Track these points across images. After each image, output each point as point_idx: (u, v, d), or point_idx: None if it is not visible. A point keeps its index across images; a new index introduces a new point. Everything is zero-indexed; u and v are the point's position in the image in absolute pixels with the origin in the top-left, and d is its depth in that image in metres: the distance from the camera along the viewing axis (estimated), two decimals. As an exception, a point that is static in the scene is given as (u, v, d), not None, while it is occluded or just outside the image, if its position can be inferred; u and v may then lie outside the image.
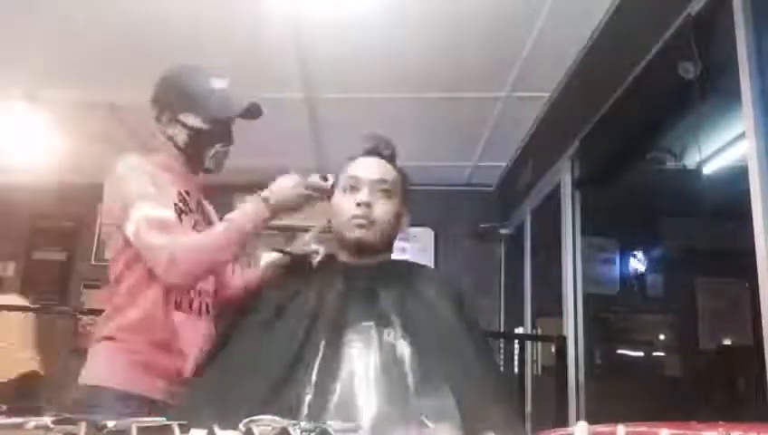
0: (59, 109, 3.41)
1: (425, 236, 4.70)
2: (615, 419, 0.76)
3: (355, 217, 1.38)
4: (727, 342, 3.94)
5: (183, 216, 1.49)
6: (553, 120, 3.36)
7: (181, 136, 1.57)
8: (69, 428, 0.55)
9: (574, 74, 2.97)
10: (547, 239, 3.50)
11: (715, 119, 2.24)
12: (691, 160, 2.94)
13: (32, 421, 0.56)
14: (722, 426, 0.69)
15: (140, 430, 0.55)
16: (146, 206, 1.40)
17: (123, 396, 1.35)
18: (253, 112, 1.61)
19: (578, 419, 2.71)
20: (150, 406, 1.35)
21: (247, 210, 1.47)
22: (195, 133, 1.57)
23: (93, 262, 4.70)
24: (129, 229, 1.40)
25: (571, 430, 0.73)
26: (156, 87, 1.62)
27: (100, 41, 2.88)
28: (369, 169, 1.44)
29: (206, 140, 1.58)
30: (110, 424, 0.55)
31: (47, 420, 0.57)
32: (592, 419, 0.78)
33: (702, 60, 1.84)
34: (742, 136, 1.75)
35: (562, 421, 2.64)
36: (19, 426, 0.56)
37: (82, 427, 0.53)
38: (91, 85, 3.31)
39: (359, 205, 1.38)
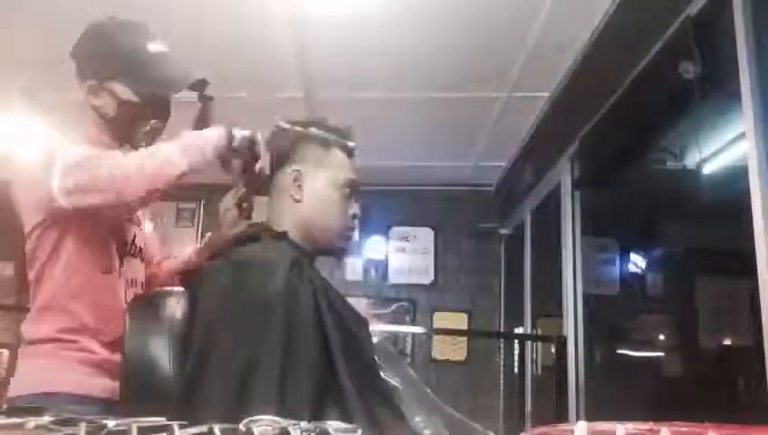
0: (59, 109, 3.41)
1: (425, 236, 4.71)
2: (615, 419, 0.76)
3: (349, 228, 1.33)
4: (727, 342, 3.94)
5: None
6: (553, 120, 3.36)
7: (109, 108, 1.33)
8: (69, 428, 0.55)
9: (574, 74, 2.97)
10: (547, 239, 3.50)
11: (715, 119, 2.25)
12: (691, 160, 2.94)
13: (32, 421, 0.56)
14: (722, 426, 0.69)
15: (140, 430, 0.55)
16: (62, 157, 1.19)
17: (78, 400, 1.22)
18: (199, 87, 1.38)
19: (578, 419, 2.71)
20: (102, 406, 1.23)
21: (179, 148, 1.22)
22: (125, 107, 1.32)
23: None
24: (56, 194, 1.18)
25: (570, 426, 0.73)
26: (81, 41, 1.37)
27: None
28: (359, 175, 1.36)
29: (139, 115, 1.34)
30: (111, 424, 0.55)
31: (47, 419, 0.57)
32: (592, 419, 0.78)
33: (702, 60, 1.84)
34: (742, 136, 1.75)
35: (562, 421, 2.64)
36: (19, 426, 0.56)
37: (82, 427, 0.53)
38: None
39: (353, 217, 1.34)
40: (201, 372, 1.09)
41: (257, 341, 1.07)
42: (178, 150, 1.21)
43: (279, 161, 1.34)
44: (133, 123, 1.34)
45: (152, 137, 1.36)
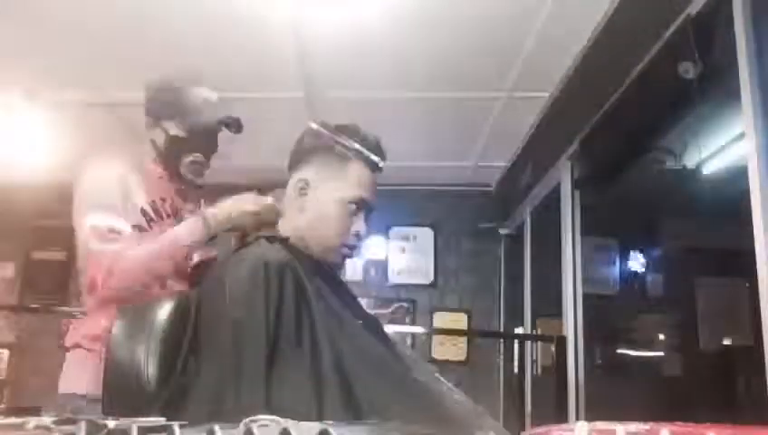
0: (59, 108, 3.41)
1: (425, 236, 4.71)
2: (615, 419, 0.76)
3: (346, 246, 1.30)
4: (727, 342, 3.94)
5: (152, 223, 1.53)
6: (553, 120, 3.36)
7: (160, 141, 1.64)
8: (69, 428, 0.55)
9: (574, 74, 2.97)
10: (547, 239, 3.50)
11: (714, 119, 2.25)
12: (691, 160, 2.94)
13: (32, 421, 0.56)
14: (722, 427, 0.69)
15: (140, 429, 0.55)
16: (98, 215, 1.44)
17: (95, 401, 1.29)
18: (231, 126, 1.66)
19: (578, 419, 2.71)
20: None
21: (187, 226, 1.49)
22: (172, 141, 1.62)
23: (93, 262, 4.69)
24: (79, 236, 1.44)
25: (570, 426, 0.73)
26: (146, 90, 1.68)
27: (101, 41, 2.88)
28: (373, 192, 1.30)
29: (183, 148, 1.62)
30: (111, 424, 0.55)
31: (47, 420, 0.57)
32: (592, 419, 0.78)
33: (702, 60, 1.84)
34: (742, 136, 1.75)
35: (562, 422, 2.64)
36: (19, 426, 0.56)
37: (82, 427, 0.53)
38: (92, 85, 3.31)
39: (356, 235, 1.29)
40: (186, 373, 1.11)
41: (210, 343, 1.11)
42: (159, 253, 1.44)
43: (292, 165, 1.34)
44: (180, 156, 1.63)
45: (197, 170, 1.65)
